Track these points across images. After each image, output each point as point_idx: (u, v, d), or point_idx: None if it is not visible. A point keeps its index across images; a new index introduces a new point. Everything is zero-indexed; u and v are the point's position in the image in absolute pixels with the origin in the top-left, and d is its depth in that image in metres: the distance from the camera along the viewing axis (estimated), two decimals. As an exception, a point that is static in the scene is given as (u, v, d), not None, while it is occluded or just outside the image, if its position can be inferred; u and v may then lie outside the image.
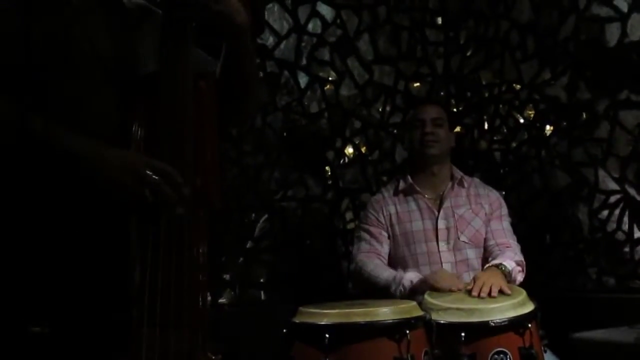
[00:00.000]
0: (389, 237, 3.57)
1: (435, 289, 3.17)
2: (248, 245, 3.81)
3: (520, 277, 3.36)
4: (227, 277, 3.68)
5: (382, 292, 3.38)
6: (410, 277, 3.34)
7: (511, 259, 3.38)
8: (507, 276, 3.26)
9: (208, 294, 2.05)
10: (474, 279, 3.20)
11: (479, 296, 3.08)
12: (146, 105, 2.00)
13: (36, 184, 1.47)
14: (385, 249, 3.55)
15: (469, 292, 3.13)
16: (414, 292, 3.26)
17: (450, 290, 3.16)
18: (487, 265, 3.40)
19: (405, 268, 3.47)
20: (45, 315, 1.41)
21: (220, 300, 3.60)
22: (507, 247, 3.48)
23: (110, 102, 2.02)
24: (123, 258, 1.93)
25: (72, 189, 1.81)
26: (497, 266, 3.32)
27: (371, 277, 3.44)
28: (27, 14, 1.53)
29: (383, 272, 3.43)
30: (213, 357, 1.95)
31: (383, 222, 3.58)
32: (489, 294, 3.07)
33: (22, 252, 1.72)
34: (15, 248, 1.72)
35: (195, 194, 1.93)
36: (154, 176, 1.82)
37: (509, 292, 3.09)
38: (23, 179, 1.43)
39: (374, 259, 3.50)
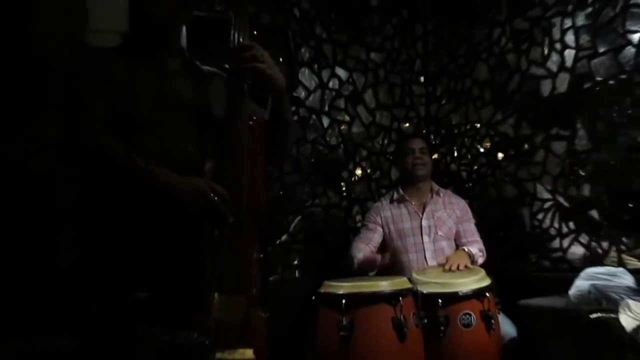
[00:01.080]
0: (383, 232, 3.60)
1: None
2: (286, 239, 3.82)
3: (481, 260, 3.39)
4: (271, 259, 3.71)
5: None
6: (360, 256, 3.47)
7: (475, 248, 3.42)
8: (471, 257, 3.30)
9: (260, 271, 2.07)
10: (447, 259, 3.27)
11: (450, 270, 3.12)
12: (216, 140, 2.03)
13: (145, 201, 1.49)
14: (376, 238, 3.59)
15: (443, 268, 3.21)
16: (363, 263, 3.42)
17: (431, 268, 3.23)
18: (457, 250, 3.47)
19: (399, 255, 3.50)
20: (146, 285, 1.42)
21: (269, 278, 3.62)
22: (473, 241, 3.52)
23: (191, 137, 2.06)
24: (199, 247, 1.97)
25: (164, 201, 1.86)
26: (464, 250, 3.37)
27: (351, 254, 3.52)
28: (137, 76, 1.56)
29: (358, 253, 3.48)
30: (263, 315, 1.97)
31: (379, 222, 3.63)
32: (457, 268, 3.14)
33: (134, 244, 1.74)
34: (129, 243, 1.74)
35: (250, 202, 1.97)
36: (215, 197, 1.86)
37: (470, 267, 3.19)
38: (135, 197, 1.46)
39: (364, 243, 3.54)
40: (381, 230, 3.60)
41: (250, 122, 2.02)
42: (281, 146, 2.22)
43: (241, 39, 2.02)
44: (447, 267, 3.15)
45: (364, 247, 3.51)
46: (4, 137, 2.15)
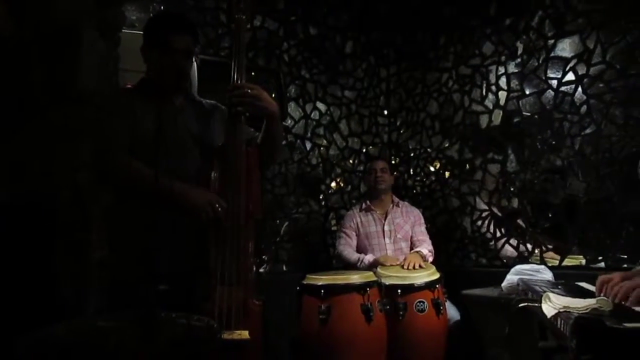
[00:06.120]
0: (356, 236, 3.60)
1: (381, 264, 3.23)
2: (277, 239, 3.81)
3: (431, 258, 3.41)
4: (264, 257, 3.69)
5: (351, 266, 3.41)
6: (368, 258, 3.38)
7: (425, 249, 3.44)
8: (423, 257, 3.31)
9: (254, 266, 2.08)
10: (405, 259, 3.26)
11: (408, 268, 3.13)
12: (218, 163, 2.04)
13: (163, 209, 1.49)
14: (354, 242, 3.58)
15: (402, 267, 3.19)
16: (370, 267, 3.30)
17: (391, 265, 3.21)
18: (412, 251, 3.46)
19: (366, 253, 3.51)
20: (165, 279, 1.43)
21: (261, 270, 3.61)
22: (423, 240, 3.53)
23: (197, 161, 2.07)
24: (205, 248, 1.97)
25: (180, 210, 1.86)
26: (417, 252, 3.38)
27: (346, 258, 3.48)
28: (153, 110, 1.57)
29: (352, 255, 3.46)
30: (257, 303, 1.98)
31: (353, 227, 3.62)
32: (414, 267, 3.12)
33: (155, 245, 1.73)
34: (150, 244, 1.74)
35: (247, 210, 1.98)
36: (217, 206, 1.87)
37: (424, 266, 3.17)
38: (157, 207, 1.46)
39: (347, 247, 3.54)
40: (355, 234, 3.62)
41: (248, 148, 2.04)
42: (271, 156, 2.24)
43: (239, 77, 2.04)
44: (405, 266, 3.17)
45: (352, 250, 3.52)
46: (49, 159, 2.13)
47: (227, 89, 2.04)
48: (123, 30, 2.54)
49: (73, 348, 1.20)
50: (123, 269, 1.93)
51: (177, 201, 1.87)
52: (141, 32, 2.12)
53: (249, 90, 2.02)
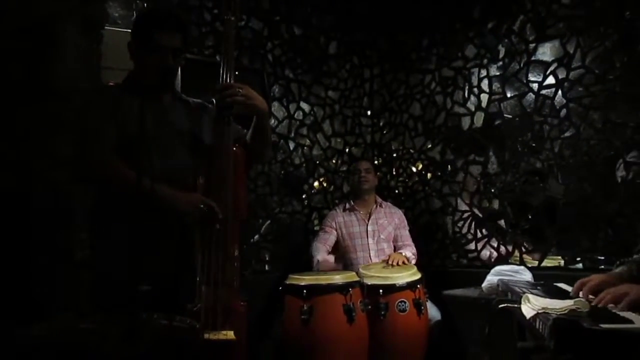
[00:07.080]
0: (336, 235, 3.60)
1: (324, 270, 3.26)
2: (259, 239, 3.79)
3: (413, 260, 3.42)
4: (247, 257, 3.67)
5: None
6: (318, 258, 3.42)
7: (409, 251, 3.46)
8: (407, 260, 3.32)
9: (239, 267, 2.07)
10: (389, 257, 3.30)
11: (393, 266, 3.14)
12: (206, 162, 2.03)
13: (148, 212, 1.46)
14: (331, 239, 3.59)
15: (386, 262, 3.24)
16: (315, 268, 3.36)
17: (372, 265, 3.25)
18: (396, 252, 3.48)
19: (349, 254, 3.52)
20: (148, 279, 1.41)
21: (244, 272, 3.59)
22: (408, 245, 3.55)
23: (185, 159, 2.05)
24: (191, 250, 1.95)
25: (165, 212, 1.84)
26: (400, 253, 3.39)
27: (313, 255, 3.48)
28: (139, 109, 1.55)
29: (317, 255, 3.45)
30: (242, 303, 1.97)
31: (334, 226, 3.62)
32: (397, 264, 3.15)
33: (139, 246, 1.71)
34: (133, 245, 1.71)
35: (233, 211, 1.97)
36: (204, 208, 1.86)
37: (407, 263, 3.20)
38: (141, 210, 1.44)
39: (321, 244, 3.53)
40: (335, 232, 3.62)
41: (234, 148, 2.03)
42: (261, 153, 2.25)
43: (228, 78, 2.03)
44: (389, 262, 3.19)
45: (322, 247, 3.51)
46: (27, 152, 2.10)
47: (217, 90, 2.03)
48: (106, 28, 2.52)
49: (53, 350, 1.18)
50: (105, 269, 1.90)
51: (162, 206, 1.85)
52: (124, 30, 2.09)
53: (240, 90, 2.01)
